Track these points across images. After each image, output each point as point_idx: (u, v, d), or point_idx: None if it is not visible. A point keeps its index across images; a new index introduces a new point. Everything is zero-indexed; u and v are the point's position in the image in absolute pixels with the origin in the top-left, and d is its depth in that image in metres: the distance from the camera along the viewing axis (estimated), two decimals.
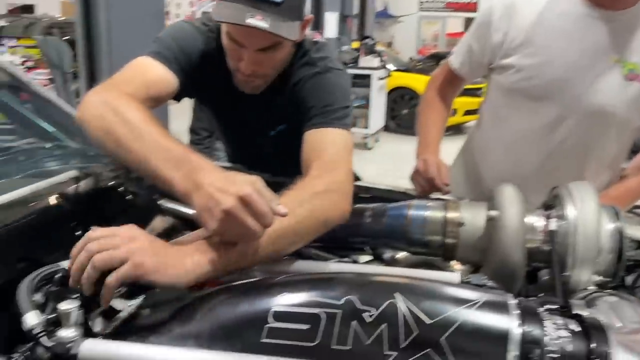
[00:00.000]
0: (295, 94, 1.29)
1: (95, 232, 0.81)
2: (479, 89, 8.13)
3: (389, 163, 6.61)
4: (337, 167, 1.11)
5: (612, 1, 1.35)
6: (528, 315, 0.72)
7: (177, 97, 1.30)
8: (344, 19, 6.83)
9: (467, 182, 1.73)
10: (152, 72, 1.17)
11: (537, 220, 1.08)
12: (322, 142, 1.18)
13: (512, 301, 0.75)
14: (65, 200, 1.08)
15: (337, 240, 1.18)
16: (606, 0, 1.35)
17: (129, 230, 0.83)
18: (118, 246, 0.79)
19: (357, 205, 1.28)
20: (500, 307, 0.73)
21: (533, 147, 1.50)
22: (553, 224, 1.05)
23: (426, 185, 1.43)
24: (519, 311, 0.72)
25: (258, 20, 1.09)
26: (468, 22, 15.32)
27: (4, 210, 0.96)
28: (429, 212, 1.15)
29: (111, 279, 0.77)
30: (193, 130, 4.57)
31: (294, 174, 1.10)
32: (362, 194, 1.43)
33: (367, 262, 1.25)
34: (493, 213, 1.08)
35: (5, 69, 1.58)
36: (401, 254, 1.30)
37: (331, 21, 7.88)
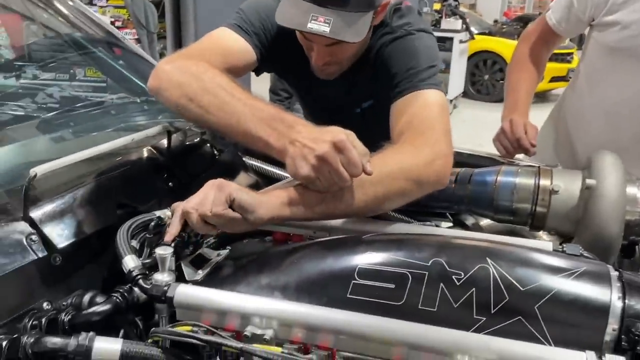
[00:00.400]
0: (377, 66, 1.22)
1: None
2: (569, 54, 7.68)
3: (468, 130, 6.41)
4: (431, 128, 1.03)
5: None
6: (631, 288, 0.68)
7: (256, 71, 1.29)
8: None
9: (557, 150, 1.64)
10: (230, 43, 1.15)
11: (638, 192, 1.02)
12: (413, 108, 1.08)
13: (614, 272, 0.71)
14: (158, 153, 1.12)
15: (418, 204, 1.16)
16: None
17: (219, 181, 0.86)
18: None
19: None
20: (600, 278, 0.70)
21: (636, 113, 1.39)
22: None
23: (510, 146, 1.37)
24: (620, 283, 0.69)
25: (320, 24, 1.02)
26: None
27: (103, 160, 1.01)
28: (520, 178, 1.10)
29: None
30: (273, 91, 4.60)
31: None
32: None
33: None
34: (590, 182, 1.01)
35: (102, 26, 1.65)
36: (485, 221, 1.27)
37: None
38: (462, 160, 1.39)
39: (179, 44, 3.89)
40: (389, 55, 1.18)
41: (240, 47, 1.16)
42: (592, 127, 1.50)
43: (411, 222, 1.16)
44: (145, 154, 1.12)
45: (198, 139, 1.30)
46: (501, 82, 7.68)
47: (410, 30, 1.20)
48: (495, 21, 10.89)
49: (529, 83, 1.54)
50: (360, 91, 1.32)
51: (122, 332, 0.80)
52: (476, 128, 6.02)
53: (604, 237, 0.97)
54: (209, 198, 0.83)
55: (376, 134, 1.25)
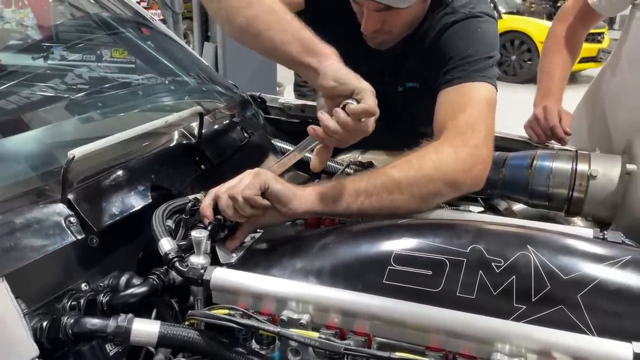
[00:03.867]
0: (433, 47, 1.15)
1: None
2: (599, 34, 7.48)
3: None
4: (475, 129, 0.98)
5: None
6: None
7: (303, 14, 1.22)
8: None
9: (591, 134, 1.60)
10: None
11: None
12: (459, 102, 1.03)
13: None
14: (190, 135, 1.12)
15: None
16: None
17: (257, 169, 0.87)
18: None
19: None
20: None
21: None
22: None
23: (544, 135, 1.34)
24: None
25: None
26: None
27: (137, 142, 1.01)
28: (557, 162, 1.08)
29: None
30: (297, 84, 4.60)
31: (425, 136, 1.02)
32: None
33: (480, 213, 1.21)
34: (631, 167, 0.99)
35: (130, 6, 1.64)
36: (518, 206, 1.25)
37: None
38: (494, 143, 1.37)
39: (205, 23, 3.88)
40: (448, 38, 1.13)
41: None
42: (632, 110, 1.45)
43: (443, 206, 1.14)
44: (178, 137, 1.12)
45: (228, 121, 1.29)
46: (529, 62, 7.53)
47: (475, 13, 1.13)
48: (524, 0, 10.64)
49: (564, 67, 1.49)
50: (408, 69, 1.28)
51: (154, 312, 0.81)
52: (502, 110, 5.86)
53: None
54: (244, 182, 0.83)
55: (415, 118, 1.20)
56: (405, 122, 1.35)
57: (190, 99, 1.47)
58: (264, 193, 0.83)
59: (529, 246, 0.71)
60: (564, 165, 1.07)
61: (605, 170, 1.04)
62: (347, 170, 1.27)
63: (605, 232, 0.82)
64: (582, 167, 1.05)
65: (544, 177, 1.08)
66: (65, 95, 1.51)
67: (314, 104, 1.11)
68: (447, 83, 1.07)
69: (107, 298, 0.77)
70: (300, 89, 4.56)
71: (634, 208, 0.96)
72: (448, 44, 1.12)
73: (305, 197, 0.87)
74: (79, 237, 0.79)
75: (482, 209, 1.29)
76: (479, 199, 1.29)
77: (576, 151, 1.10)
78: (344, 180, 0.91)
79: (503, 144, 1.37)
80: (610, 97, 1.55)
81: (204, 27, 4.05)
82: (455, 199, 1.22)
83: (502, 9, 7.76)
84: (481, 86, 1.05)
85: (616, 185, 1.01)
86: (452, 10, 1.15)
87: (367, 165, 1.30)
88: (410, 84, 1.31)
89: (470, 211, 1.19)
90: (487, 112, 1.02)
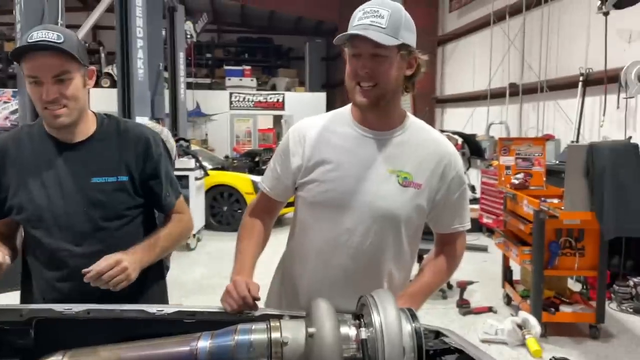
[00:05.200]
0: None
1: None
2: None
3: (215, 263, 6.55)
4: None
5: (379, 125, 1.64)
6: None
7: None
8: (157, 121, 6.83)
9: (285, 293, 1.83)
10: None
11: (349, 331, 1.20)
12: None
13: None
14: None
15: None
16: (374, 124, 1.64)
17: None
18: None
19: (184, 336, 1.29)
20: None
21: (337, 251, 1.66)
22: (363, 333, 1.18)
23: (235, 304, 1.46)
24: None
25: None
26: (277, 118, 16.35)
27: None
28: (254, 335, 1.21)
29: None
30: None
31: None
32: (187, 318, 1.43)
33: None
34: (311, 330, 1.17)
35: None
36: None
37: None
38: (205, 318, 1.45)
39: None
40: None
41: None
42: (308, 267, 1.72)
43: None
44: None
45: None
46: (239, 211, 8.16)
47: None
48: (227, 157, 11.73)
49: (255, 248, 1.73)
50: None
51: None
52: (222, 261, 6.19)
53: None
54: None
55: None
56: None
57: None
58: None
59: None
60: (261, 336, 1.20)
61: (294, 335, 1.20)
62: None
63: None
64: (275, 335, 1.20)
65: (245, 350, 1.19)
66: None
67: None
68: None
69: None
70: None
71: None
72: None
73: None
74: None
75: None
76: None
77: (269, 321, 1.24)
78: None
79: (214, 317, 1.46)
80: (290, 260, 1.82)
81: None
82: None
83: (208, 165, 8.40)
84: None
85: (304, 348, 1.17)
86: None
87: None
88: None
89: None
90: None
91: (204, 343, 1.23)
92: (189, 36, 12.24)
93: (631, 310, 5.00)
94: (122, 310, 1.44)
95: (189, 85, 12.49)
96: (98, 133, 1.77)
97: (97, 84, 14.64)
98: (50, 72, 1.59)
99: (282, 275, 1.86)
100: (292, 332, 1.20)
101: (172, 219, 1.88)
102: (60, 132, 1.71)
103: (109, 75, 14.41)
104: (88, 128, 1.76)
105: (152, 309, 1.43)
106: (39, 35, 1.57)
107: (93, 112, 1.80)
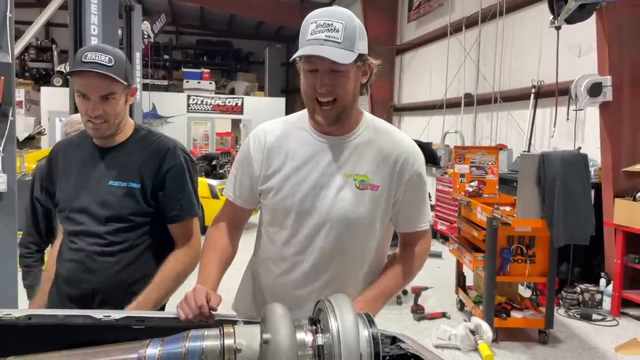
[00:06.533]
0: None
1: None
2: None
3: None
4: None
5: (335, 129, 1.63)
6: None
7: None
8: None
9: (255, 298, 1.80)
10: None
11: (306, 336, 1.17)
12: None
13: None
14: None
15: None
16: (330, 129, 1.62)
17: None
18: None
19: (132, 342, 1.23)
20: None
21: (300, 256, 1.65)
22: (320, 339, 1.15)
23: (191, 312, 1.39)
24: None
25: None
26: (235, 122, 16.22)
27: None
28: (206, 342, 1.16)
29: None
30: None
31: None
32: (135, 324, 1.37)
33: None
34: (266, 336, 1.13)
35: None
36: None
37: None
38: (155, 324, 1.39)
39: None
40: None
41: None
42: (274, 272, 1.70)
43: None
44: None
45: None
46: None
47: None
48: None
49: (221, 260, 1.67)
50: None
51: None
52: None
53: None
54: None
55: None
56: None
57: None
58: None
59: None
60: (213, 343, 1.15)
61: (248, 342, 1.15)
62: None
63: None
64: (228, 342, 1.15)
65: (197, 357, 1.14)
66: None
67: None
68: None
69: None
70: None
71: None
72: None
73: None
74: None
75: None
76: None
77: (222, 327, 1.20)
78: None
79: (164, 323, 1.40)
80: (259, 264, 1.79)
81: None
82: None
83: None
84: None
85: (258, 354, 1.13)
86: None
87: None
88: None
89: None
90: None
91: (152, 350, 1.18)
92: (146, 36, 12.02)
93: (578, 316, 5.16)
94: (66, 316, 1.37)
95: (146, 87, 12.25)
96: (128, 142, 1.96)
97: (48, 83, 14.24)
98: (98, 92, 1.80)
99: (251, 277, 1.84)
100: (246, 338, 1.16)
101: (174, 254, 1.91)
102: (97, 139, 1.94)
103: (61, 73, 13.98)
104: (123, 136, 1.96)
105: (99, 314, 1.37)
106: (92, 56, 1.77)
107: (134, 123, 2.01)
